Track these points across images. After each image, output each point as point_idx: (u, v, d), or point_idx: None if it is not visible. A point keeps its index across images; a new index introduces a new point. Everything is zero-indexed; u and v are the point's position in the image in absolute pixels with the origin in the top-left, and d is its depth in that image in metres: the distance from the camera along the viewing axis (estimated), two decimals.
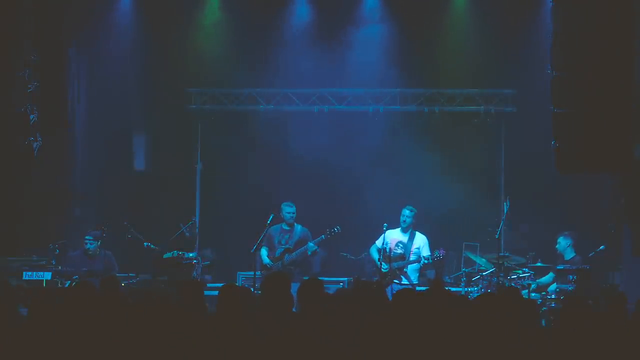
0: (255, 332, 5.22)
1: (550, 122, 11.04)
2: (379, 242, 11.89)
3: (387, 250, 11.68)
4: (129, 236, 12.33)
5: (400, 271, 11.69)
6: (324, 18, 14.06)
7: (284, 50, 13.99)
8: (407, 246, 11.76)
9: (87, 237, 11.88)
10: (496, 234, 11.88)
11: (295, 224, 12.18)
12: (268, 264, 11.95)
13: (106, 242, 12.23)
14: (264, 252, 12.06)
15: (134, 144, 14.18)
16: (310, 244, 11.90)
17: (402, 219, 11.85)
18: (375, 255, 11.87)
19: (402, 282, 11.62)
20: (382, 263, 11.64)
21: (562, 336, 5.00)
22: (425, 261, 11.64)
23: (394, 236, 11.87)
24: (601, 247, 11.82)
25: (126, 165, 14.21)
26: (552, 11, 11.24)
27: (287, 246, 12.01)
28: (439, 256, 11.61)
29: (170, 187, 14.31)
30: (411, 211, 11.88)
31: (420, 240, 11.86)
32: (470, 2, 13.85)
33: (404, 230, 11.88)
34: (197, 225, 13.66)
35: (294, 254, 11.94)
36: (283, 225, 12.16)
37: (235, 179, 14.37)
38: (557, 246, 12.00)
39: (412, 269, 11.81)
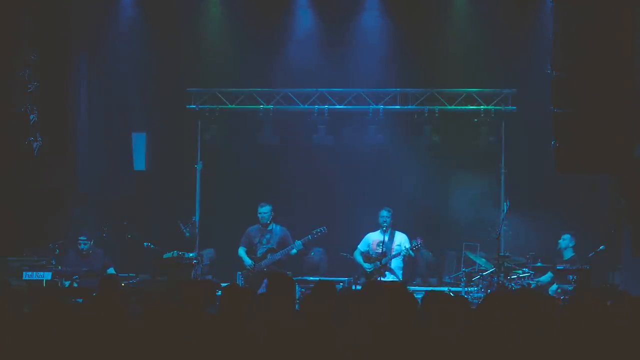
0: (259, 333, 5.22)
1: (550, 122, 11.05)
2: (361, 246, 12.24)
3: (370, 251, 12.01)
4: (129, 236, 12.34)
5: (384, 267, 11.91)
6: (324, 18, 14.06)
7: (284, 50, 14.00)
8: (387, 245, 11.97)
9: (81, 238, 11.89)
10: (496, 234, 11.92)
11: (274, 224, 12.20)
12: (250, 264, 11.98)
13: (106, 242, 12.25)
14: (242, 252, 12.10)
15: (134, 144, 14.16)
16: (298, 242, 11.94)
17: (381, 220, 12.10)
18: (359, 258, 12.17)
19: (386, 280, 11.78)
20: (366, 264, 11.98)
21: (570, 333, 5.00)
22: (405, 252, 11.86)
23: (374, 238, 12.17)
24: (601, 247, 11.83)
25: (126, 165, 14.20)
26: (553, 11, 11.25)
27: (270, 246, 12.03)
28: (418, 245, 11.91)
29: (170, 187, 14.31)
30: (389, 212, 12.17)
31: (401, 238, 12.15)
32: (471, 2, 13.86)
33: (383, 231, 12.05)
34: (197, 225, 13.66)
35: (278, 253, 11.97)
36: (261, 226, 12.21)
37: (235, 179, 14.38)
38: (560, 241, 12.03)
39: (396, 267, 12.01)
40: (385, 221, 12.04)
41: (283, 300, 5.89)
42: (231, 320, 5.56)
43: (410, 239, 12.08)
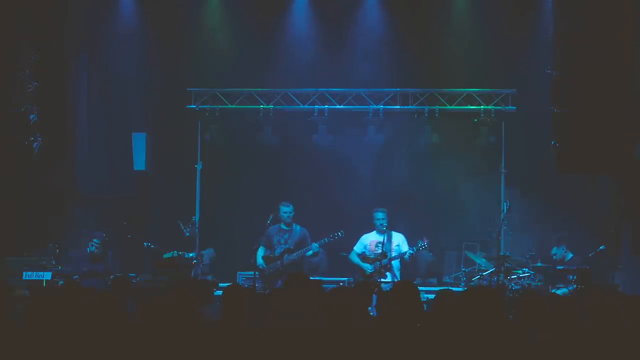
0: (261, 333, 5.22)
1: (550, 122, 11.05)
2: (357, 248, 12.19)
3: (367, 252, 11.99)
4: (129, 236, 12.33)
5: (385, 268, 11.87)
6: (324, 18, 14.06)
7: (284, 50, 14.00)
8: (386, 246, 11.93)
9: (95, 240, 11.83)
10: (496, 234, 11.92)
11: (294, 224, 12.23)
12: (261, 265, 12.01)
13: (106, 242, 12.23)
14: (260, 252, 12.13)
15: (134, 144, 14.16)
16: (315, 245, 11.96)
17: (378, 222, 12.04)
18: (356, 259, 12.13)
19: (386, 280, 11.77)
20: (366, 265, 11.95)
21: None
22: (411, 252, 11.84)
23: (371, 239, 12.13)
24: (601, 247, 11.83)
25: (126, 165, 14.20)
26: (553, 12, 11.25)
27: (287, 246, 12.05)
28: (424, 245, 11.86)
29: (170, 187, 14.31)
30: (384, 212, 12.06)
31: (398, 238, 12.13)
32: (471, 2, 13.86)
33: (380, 232, 12.03)
34: (197, 225, 13.66)
35: (294, 254, 11.99)
36: (282, 225, 12.19)
37: (235, 179, 14.38)
38: (554, 257, 12.01)
39: (395, 267, 12.00)
40: (382, 224, 12.01)
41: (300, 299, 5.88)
42: (232, 321, 5.55)
43: (415, 239, 12.06)
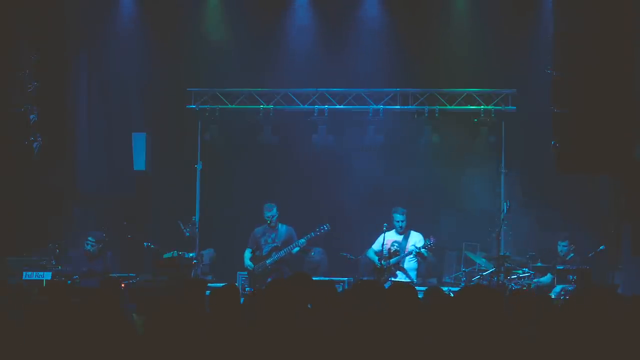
0: (250, 333, 5.21)
1: (550, 122, 11.05)
2: (375, 246, 12.14)
3: (384, 251, 11.95)
4: (129, 236, 12.34)
5: (397, 267, 11.86)
6: (324, 18, 14.06)
7: (284, 50, 14.00)
8: (402, 244, 11.94)
9: (89, 239, 11.85)
10: (496, 234, 11.92)
11: (280, 223, 12.28)
12: (248, 266, 12.07)
13: (106, 242, 12.25)
14: (247, 254, 12.18)
15: (134, 144, 14.16)
16: (301, 240, 12.00)
17: (397, 224, 12.02)
18: (372, 255, 12.15)
19: (397, 279, 11.76)
20: (380, 261, 11.92)
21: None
22: (417, 250, 11.77)
23: (389, 237, 12.14)
24: (601, 247, 11.83)
25: (126, 165, 14.20)
26: (553, 11, 11.25)
27: (274, 245, 12.10)
28: (431, 244, 11.81)
29: (170, 187, 14.31)
30: (403, 213, 12.07)
31: (416, 237, 12.14)
32: (471, 2, 13.86)
33: (399, 233, 12.05)
34: (197, 225, 13.66)
35: (281, 251, 12.04)
36: (268, 225, 12.26)
37: (235, 179, 14.38)
38: (559, 250, 12.03)
39: (410, 268, 11.96)
40: (401, 226, 12.05)
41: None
42: (220, 322, 5.55)
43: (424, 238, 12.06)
